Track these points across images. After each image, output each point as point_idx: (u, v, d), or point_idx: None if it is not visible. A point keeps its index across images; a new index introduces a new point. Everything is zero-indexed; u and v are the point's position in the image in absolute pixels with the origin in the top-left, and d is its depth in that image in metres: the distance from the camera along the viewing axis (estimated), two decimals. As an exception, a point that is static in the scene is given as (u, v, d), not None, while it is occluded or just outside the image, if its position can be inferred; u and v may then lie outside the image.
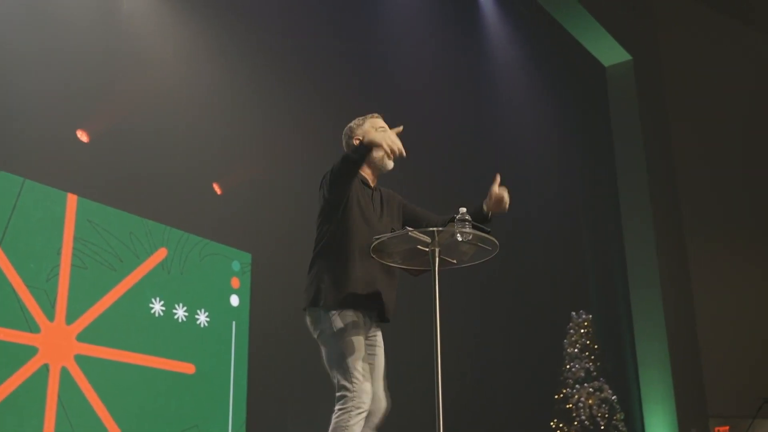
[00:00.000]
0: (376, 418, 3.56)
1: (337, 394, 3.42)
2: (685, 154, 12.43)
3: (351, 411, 3.36)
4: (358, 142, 3.72)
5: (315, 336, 3.58)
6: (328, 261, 3.56)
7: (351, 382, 3.38)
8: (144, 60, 6.94)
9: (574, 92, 12.30)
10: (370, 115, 3.83)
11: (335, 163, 3.51)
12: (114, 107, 6.65)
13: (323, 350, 3.54)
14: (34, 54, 6.12)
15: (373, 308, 3.58)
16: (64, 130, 6.27)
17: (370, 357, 3.58)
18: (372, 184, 3.76)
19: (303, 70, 8.13)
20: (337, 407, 3.40)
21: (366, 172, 3.75)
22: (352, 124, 3.84)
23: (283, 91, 7.84)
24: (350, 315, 3.48)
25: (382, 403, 3.59)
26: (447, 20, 10.40)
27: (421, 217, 3.82)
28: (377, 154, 3.66)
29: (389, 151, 3.43)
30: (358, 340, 3.47)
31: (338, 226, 3.56)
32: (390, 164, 3.73)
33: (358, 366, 3.41)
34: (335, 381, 3.46)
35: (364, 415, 3.39)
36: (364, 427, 3.48)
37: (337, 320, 3.47)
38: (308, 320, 3.59)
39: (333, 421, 3.39)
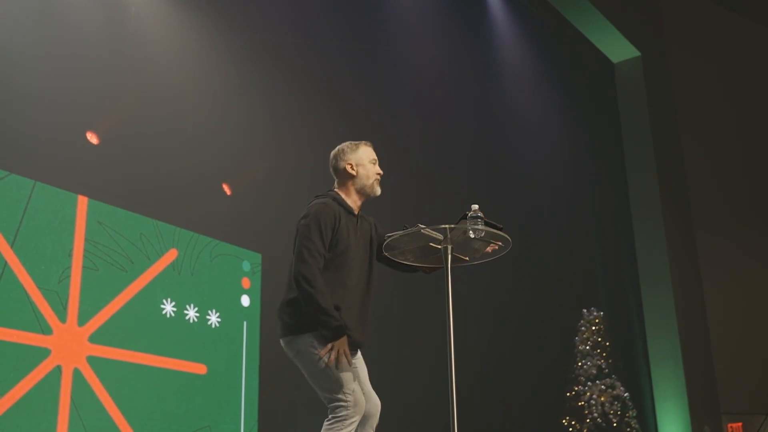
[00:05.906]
0: (375, 419, 3.57)
1: (331, 405, 3.42)
2: (694, 150, 12.38)
3: (345, 420, 3.38)
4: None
5: (292, 356, 3.55)
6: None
7: (345, 394, 3.39)
8: (152, 61, 6.96)
9: (583, 89, 12.26)
10: (363, 142, 3.72)
11: (310, 279, 3.39)
12: (123, 109, 6.66)
13: (305, 369, 3.51)
14: (43, 57, 6.14)
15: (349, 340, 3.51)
16: (73, 132, 6.29)
17: (353, 368, 3.56)
18: (356, 212, 3.65)
19: (311, 69, 8.13)
20: (330, 416, 3.41)
21: (352, 199, 3.65)
22: (344, 146, 3.72)
23: (291, 91, 7.84)
24: None
25: (377, 402, 3.60)
26: (454, 18, 10.38)
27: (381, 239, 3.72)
28: (367, 181, 3.64)
29: None
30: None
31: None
32: (378, 190, 3.65)
33: (349, 377, 3.41)
34: (324, 395, 3.44)
35: (355, 425, 3.42)
36: (365, 427, 3.49)
37: (317, 337, 3.42)
38: (282, 343, 3.56)
39: (324, 427, 3.40)
